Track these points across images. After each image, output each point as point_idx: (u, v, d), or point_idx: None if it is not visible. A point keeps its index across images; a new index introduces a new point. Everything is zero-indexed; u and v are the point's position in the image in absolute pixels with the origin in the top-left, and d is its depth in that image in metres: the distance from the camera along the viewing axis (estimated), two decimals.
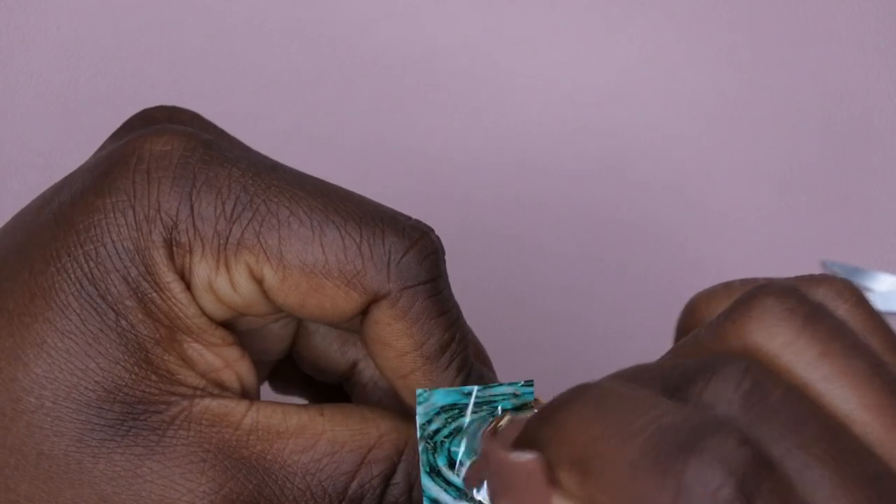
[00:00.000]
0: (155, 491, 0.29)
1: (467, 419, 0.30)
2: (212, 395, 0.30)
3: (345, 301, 0.30)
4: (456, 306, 0.32)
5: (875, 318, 0.23)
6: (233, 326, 0.32)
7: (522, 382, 0.31)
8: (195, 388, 0.30)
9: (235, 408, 0.30)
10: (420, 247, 0.31)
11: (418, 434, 0.30)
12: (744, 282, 0.25)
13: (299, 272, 0.30)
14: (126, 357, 0.29)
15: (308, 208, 0.30)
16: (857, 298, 0.23)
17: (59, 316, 0.29)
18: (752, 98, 0.59)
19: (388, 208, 0.31)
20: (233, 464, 0.30)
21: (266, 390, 0.37)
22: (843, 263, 0.57)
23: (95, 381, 0.29)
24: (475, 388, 0.30)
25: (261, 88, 0.58)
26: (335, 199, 0.31)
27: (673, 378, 0.22)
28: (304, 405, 0.32)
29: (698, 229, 0.57)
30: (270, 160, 0.32)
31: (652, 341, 0.55)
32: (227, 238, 0.30)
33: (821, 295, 0.23)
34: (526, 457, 0.22)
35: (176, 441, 0.29)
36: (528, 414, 0.29)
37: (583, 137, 0.58)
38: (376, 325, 0.31)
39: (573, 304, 0.56)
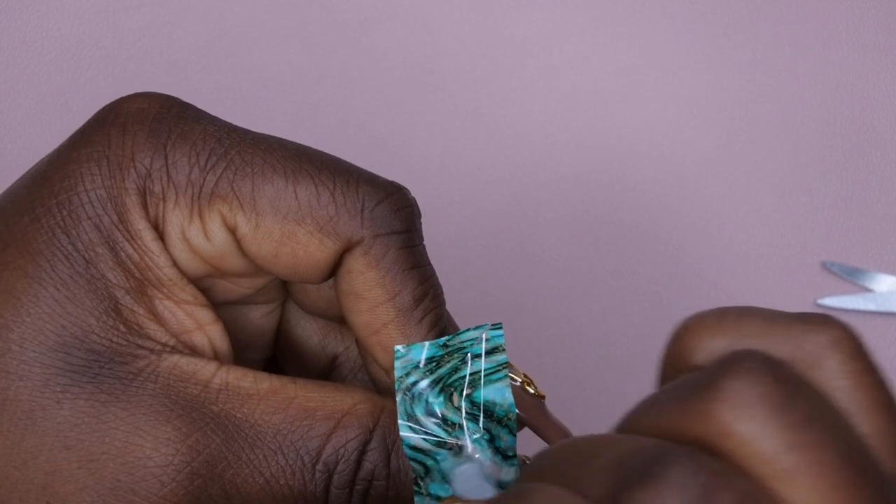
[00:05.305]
0: (119, 437, 0.29)
1: (444, 369, 0.30)
2: (181, 353, 0.30)
3: (318, 249, 0.30)
4: (430, 265, 0.32)
5: (867, 374, 0.22)
6: (209, 294, 0.32)
7: (490, 326, 0.31)
8: (164, 345, 0.30)
9: (205, 367, 0.30)
10: (395, 199, 0.31)
11: (396, 386, 0.30)
12: (739, 313, 0.23)
13: (272, 219, 0.30)
14: (95, 304, 0.29)
15: (282, 157, 0.30)
16: (853, 350, 0.22)
17: (29, 263, 0.29)
18: (752, 98, 0.59)
19: (364, 169, 0.31)
20: (200, 416, 0.30)
21: None
22: (843, 263, 0.57)
23: (62, 326, 0.29)
24: (447, 338, 0.31)
25: (261, 88, 0.58)
26: (310, 152, 0.31)
27: (620, 473, 0.21)
28: (276, 375, 0.31)
29: (698, 230, 0.57)
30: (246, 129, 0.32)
31: (651, 343, 0.55)
32: (202, 187, 0.30)
33: (810, 344, 0.22)
34: None
35: (142, 391, 0.29)
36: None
37: (583, 138, 0.58)
38: (349, 275, 0.31)
39: (572, 306, 0.56)
